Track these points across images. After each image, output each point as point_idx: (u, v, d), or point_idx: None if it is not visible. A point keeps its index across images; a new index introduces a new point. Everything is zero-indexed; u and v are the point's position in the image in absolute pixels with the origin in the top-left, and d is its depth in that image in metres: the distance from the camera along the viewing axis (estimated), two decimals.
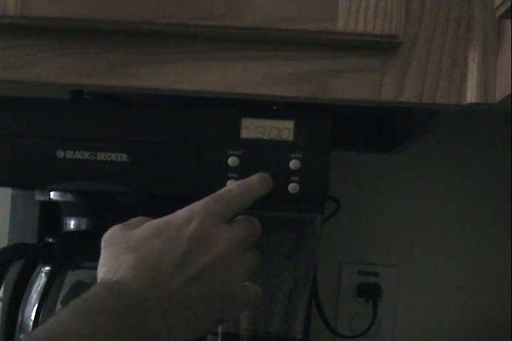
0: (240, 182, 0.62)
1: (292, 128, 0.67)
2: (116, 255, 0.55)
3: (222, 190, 0.60)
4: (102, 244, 0.57)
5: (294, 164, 0.66)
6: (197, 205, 0.58)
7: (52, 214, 0.79)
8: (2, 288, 0.70)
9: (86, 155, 0.67)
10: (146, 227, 0.57)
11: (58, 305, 0.70)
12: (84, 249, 0.71)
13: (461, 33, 0.59)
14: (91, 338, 0.46)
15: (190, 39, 0.60)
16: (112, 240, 0.57)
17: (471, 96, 0.58)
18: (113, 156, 0.67)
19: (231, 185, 0.61)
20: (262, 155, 0.66)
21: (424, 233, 1.00)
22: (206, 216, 0.57)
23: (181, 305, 0.53)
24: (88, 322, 0.47)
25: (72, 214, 0.76)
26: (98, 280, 0.54)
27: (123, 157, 0.67)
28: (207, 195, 0.60)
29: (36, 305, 0.69)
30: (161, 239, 0.55)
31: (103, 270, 0.55)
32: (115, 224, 0.59)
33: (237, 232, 0.58)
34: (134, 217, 0.60)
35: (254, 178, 0.63)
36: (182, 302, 0.53)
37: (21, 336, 0.70)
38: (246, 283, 0.59)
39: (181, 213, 0.57)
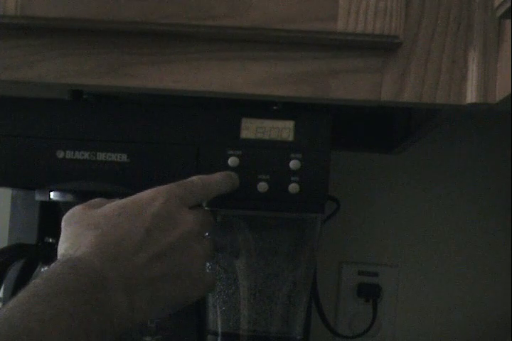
0: (203, 176, 0.62)
1: (292, 128, 0.67)
2: (77, 232, 0.55)
3: (186, 179, 0.61)
4: (63, 223, 0.57)
5: (294, 164, 0.66)
6: (161, 187, 0.58)
7: (52, 214, 0.79)
8: (2, 288, 0.70)
9: (86, 155, 0.67)
10: (110, 206, 0.57)
11: None
12: None
13: (461, 33, 0.59)
14: (53, 322, 0.45)
15: (190, 39, 0.60)
16: (74, 218, 0.56)
17: (471, 96, 0.58)
18: (113, 156, 0.67)
19: (194, 177, 0.61)
20: (262, 156, 0.66)
21: (424, 233, 1.00)
22: (170, 197, 0.57)
23: (144, 283, 0.53)
24: (50, 305, 0.46)
25: None
26: (59, 257, 0.53)
27: (123, 157, 0.67)
28: None
29: None
30: (124, 217, 0.55)
31: (64, 247, 0.54)
32: None
33: (199, 217, 0.59)
34: None
35: (218, 174, 0.63)
36: (145, 279, 0.53)
37: None
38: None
39: (146, 193, 0.58)
